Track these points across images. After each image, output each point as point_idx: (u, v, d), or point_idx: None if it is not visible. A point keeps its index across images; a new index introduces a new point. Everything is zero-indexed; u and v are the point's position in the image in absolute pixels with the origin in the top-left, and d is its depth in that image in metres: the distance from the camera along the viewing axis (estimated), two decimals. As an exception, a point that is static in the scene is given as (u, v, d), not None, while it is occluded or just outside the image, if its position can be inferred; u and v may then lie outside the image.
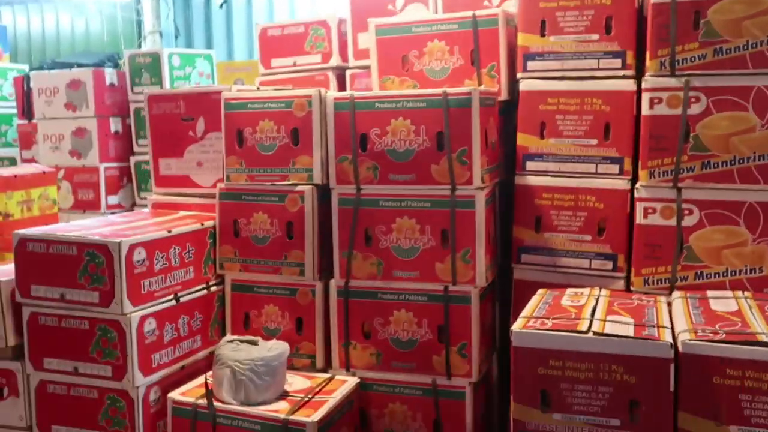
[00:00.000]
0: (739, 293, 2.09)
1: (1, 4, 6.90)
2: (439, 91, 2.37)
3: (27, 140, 5.12)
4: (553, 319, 1.89)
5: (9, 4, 6.90)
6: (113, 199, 4.71)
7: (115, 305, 2.17)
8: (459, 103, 2.34)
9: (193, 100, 2.81)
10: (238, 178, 2.60)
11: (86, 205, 4.60)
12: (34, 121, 4.88)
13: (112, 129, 4.68)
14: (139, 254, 2.23)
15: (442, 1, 3.08)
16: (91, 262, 2.19)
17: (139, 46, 6.41)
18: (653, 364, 1.72)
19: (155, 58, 4.59)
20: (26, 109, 5.18)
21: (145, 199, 4.56)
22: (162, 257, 2.33)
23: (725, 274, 2.18)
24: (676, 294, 2.14)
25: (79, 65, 5.08)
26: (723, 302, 2.01)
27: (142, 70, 4.65)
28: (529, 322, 1.88)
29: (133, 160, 4.62)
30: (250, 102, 2.57)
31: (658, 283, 2.24)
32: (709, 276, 2.19)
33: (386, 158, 2.42)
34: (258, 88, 2.89)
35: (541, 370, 1.79)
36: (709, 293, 2.11)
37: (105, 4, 6.50)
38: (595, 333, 1.77)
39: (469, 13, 2.66)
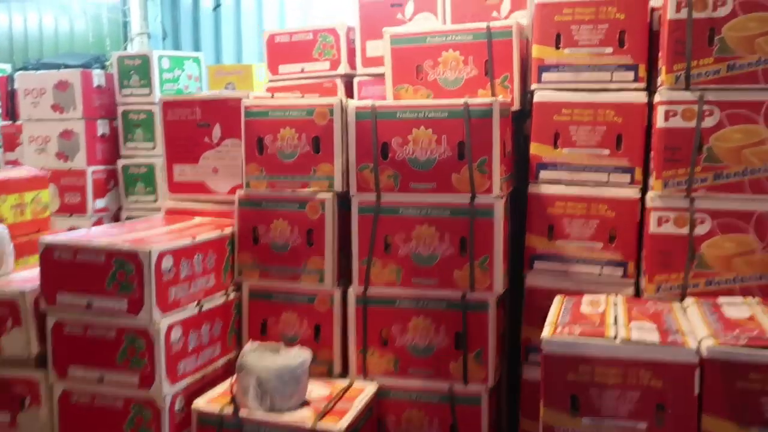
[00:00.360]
0: (750, 299, 2.18)
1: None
2: (460, 101, 2.43)
3: (11, 142, 5.06)
4: (579, 326, 1.95)
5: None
6: (100, 203, 4.69)
7: (144, 313, 2.18)
8: (480, 114, 2.40)
9: (210, 106, 2.82)
10: (258, 185, 2.62)
11: (73, 209, 4.57)
12: (18, 122, 4.82)
13: (100, 131, 4.66)
14: (168, 262, 2.24)
15: (451, 11, 3.15)
16: (119, 270, 2.20)
17: (125, 47, 6.36)
18: (679, 369, 1.80)
19: (145, 60, 4.58)
20: (10, 110, 5.12)
21: (135, 202, 4.59)
22: (187, 265, 2.34)
23: (735, 281, 2.27)
24: (688, 300, 2.22)
25: (66, 66, 5.03)
26: (736, 308, 2.10)
27: (131, 72, 4.63)
28: (557, 329, 1.94)
29: (120, 163, 4.60)
30: (271, 110, 2.60)
31: (670, 290, 2.32)
32: (719, 283, 2.28)
33: (407, 167, 2.47)
34: (272, 96, 2.91)
35: (570, 376, 1.86)
36: (721, 300, 2.19)
37: (90, 5, 6.45)
38: (623, 340, 1.84)
39: (484, 25, 2.72)
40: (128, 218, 4.67)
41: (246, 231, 2.63)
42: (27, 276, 2.49)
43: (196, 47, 6.30)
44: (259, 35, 6.14)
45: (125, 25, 6.41)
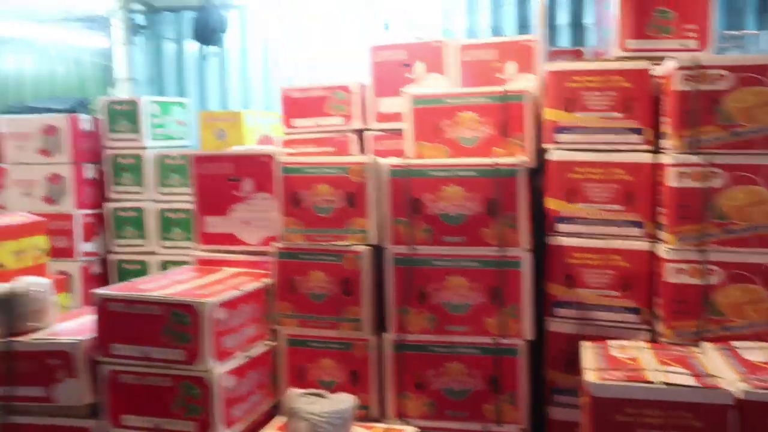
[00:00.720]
0: (763, 344, 2.40)
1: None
2: (489, 161, 2.63)
3: (-6, 185, 5.00)
4: (620, 371, 2.13)
5: (-33, 45, 6.77)
6: (88, 246, 4.71)
7: (201, 362, 2.27)
8: (508, 173, 2.60)
9: (241, 161, 2.94)
10: (294, 237, 2.75)
11: (59, 253, 4.55)
12: (2, 165, 4.81)
13: (87, 175, 4.70)
14: (221, 313, 2.34)
15: (460, 72, 3.38)
16: (176, 321, 2.28)
17: (107, 92, 6.40)
18: (717, 410, 1.99)
19: (134, 105, 4.68)
20: (-7, 153, 5.07)
21: (124, 246, 4.63)
22: (236, 315, 2.44)
23: (747, 327, 2.50)
24: (705, 345, 2.43)
25: (52, 110, 5.07)
26: (751, 352, 2.32)
27: (120, 116, 4.71)
28: (601, 374, 2.12)
29: (109, 206, 4.65)
30: (306, 167, 2.75)
31: (686, 336, 2.53)
32: (732, 329, 2.50)
33: (439, 222, 2.64)
34: (294, 152, 3.05)
35: (618, 418, 2.03)
36: (735, 344, 2.41)
37: (72, 48, 6.48)
38: (665, 384, 2.03)
39: (500, 88, 2.94)
40: (120, 262, 4.71)
41: (284, 281, 2.75)
42: (69, 327, 2.54)
43: (180, 92, 6.39)
44: (243, 82, 6.30)
45: (108, 69, 6.46)
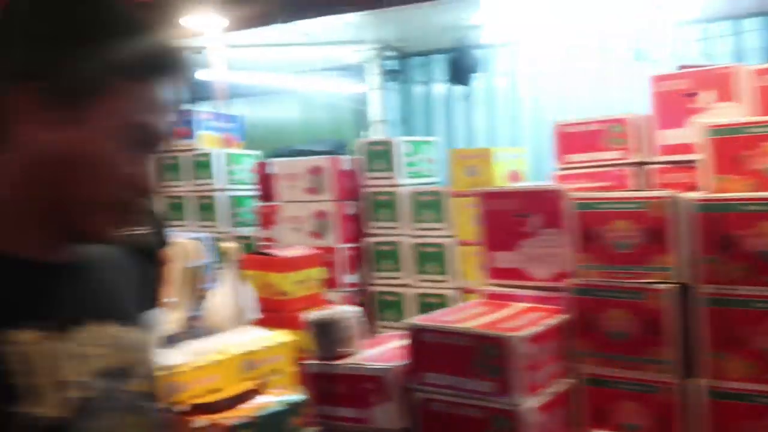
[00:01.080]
0: None
1: (235, 96, 7.65)
2: (818, 193, 2.39)
3: (266, 221, 5.52)
4: None
5: (243, 96, 7.64)
6: (350, 278, 5.00)
7: (512, 396, 2.29)
8: (842, 207, 2.34)
9: (528, 197, 2.96)
10: (590, 274, 2.70)
11: (324, 284, 4.87)
12: (273, 203, 5.29)
13: (348, 212, 5.01)
14: (529, 347, 2.35)
15: (760, 98, 3.14)
16: (487, 354, 2.33)
17: (360, 134, 6.87)
18: None
19: (388, 146, 4.91)
20: (265, 192, 5.61)
21: (382, 278, 4.85)
22: (541, 350, 2.44)
23: None
24: None
25: (316, 152, 5.52)
26: None
27: (376, 156, 4.98)
28: None
29: (368, 241, 4.90)
30: (600, 202, 2.70)
31: None
32: None
33: (758, 260, 2.44)
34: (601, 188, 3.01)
35: None
36: None
37: (330, 95, 7.07)
38: None
39: (815, 114, 2.68)
40: (378, 293, 4.96)
41: (581, 318, 2.70)
42: (376, 353, 2.70)
43: (428, 132, 6.68)
44: (489, 119, 6.43)
45: (361, 112, 6.94)
